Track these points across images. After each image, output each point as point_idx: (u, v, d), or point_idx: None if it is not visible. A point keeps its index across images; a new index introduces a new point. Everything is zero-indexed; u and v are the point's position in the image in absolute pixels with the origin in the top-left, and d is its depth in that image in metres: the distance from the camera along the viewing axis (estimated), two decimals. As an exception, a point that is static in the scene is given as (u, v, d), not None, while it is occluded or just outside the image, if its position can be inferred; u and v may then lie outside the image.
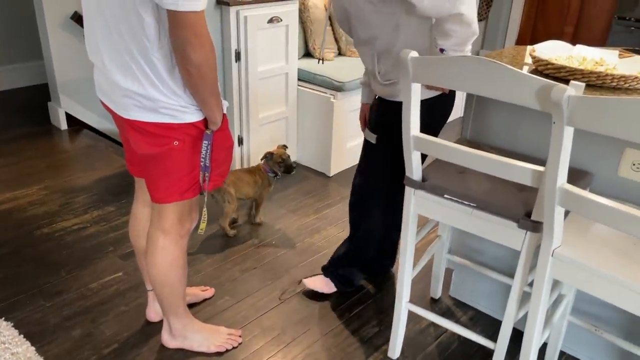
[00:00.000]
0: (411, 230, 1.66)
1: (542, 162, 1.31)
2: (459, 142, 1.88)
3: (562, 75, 1.59)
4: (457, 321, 2.01)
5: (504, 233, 1.45)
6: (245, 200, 2.57)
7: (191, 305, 2.02)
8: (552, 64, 1.61)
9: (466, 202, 1.51)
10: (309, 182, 3.04)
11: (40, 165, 3.11)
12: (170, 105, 1.40)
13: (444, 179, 1.57)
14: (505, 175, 1.35)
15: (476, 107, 1.86)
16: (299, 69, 3.03)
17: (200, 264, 2.29)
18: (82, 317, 1.96)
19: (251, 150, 2.93)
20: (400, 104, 1.51)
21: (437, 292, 2.13)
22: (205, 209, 1.58)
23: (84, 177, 2.99)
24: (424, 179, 1.59)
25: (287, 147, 2.60)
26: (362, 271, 2.13)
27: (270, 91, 2.92)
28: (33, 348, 1.79)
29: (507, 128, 1.80)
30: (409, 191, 1.61)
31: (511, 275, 1.85)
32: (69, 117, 3.64)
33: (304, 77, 3.05)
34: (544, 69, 1.64)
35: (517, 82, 1.22)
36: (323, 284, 2.12)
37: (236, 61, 2.70)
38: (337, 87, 2.90)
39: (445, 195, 1.55)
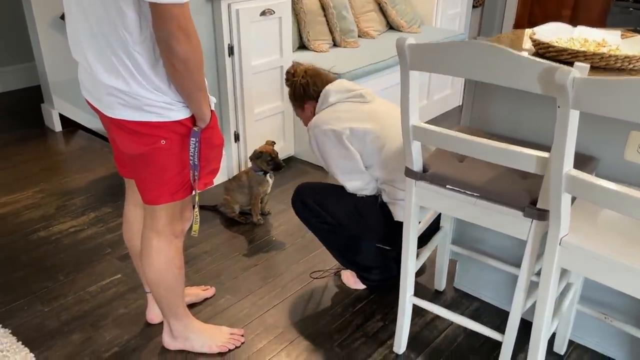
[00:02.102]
0: (413, 223, 1.62)
1: (545, 149, 1.26)
2: (459, 130, 1.83)
3: (564, 58, 1.54)
4: (462, 313, 1.97)
5: (509, 222, 1.41)
6: (247, 207, 2.56)
7: (192, 305, 1.98)
8: (554, 46, 1.56)
9: (469, 192, 1.47)
10: (307, 177, 3.00)
11: (35, 168, 3.07)
12: (155, 102, 1.35)
13: (445, 169, 1.53)
14: (509, 163, 1.31)
15: (476, 94, 1.81)
16: (293, 62, 2.97)
17: (200, 263, 2.26)
18: (81, 322, 1.93)
19: (248, 146, 2.88)
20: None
21: (441, 284, 2.09)
22: (196, 210, 1.54)
23: (80, 179, 2.95)
24: (424, 170, 1.55)
25: (274, 143, 2.56)
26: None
27: (266, 85, 2.87)
28: (32, 355, 1.75)
29: (509, 114, 1.75)
30: (410, 183, 1.57)
31: (516, 264, 1.82)
32: (63, 118, 3.59)
33: (300, 70, 3.00)
34: (545, 52, 1.59)
35: (518, 66, 1.17)
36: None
37: (229, 56, 2.65)
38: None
39: (448, 186, 1.51)
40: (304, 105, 2.06)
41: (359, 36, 3.54)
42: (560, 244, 1.29)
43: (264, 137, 2.96)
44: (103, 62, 1.33)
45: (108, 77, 1.34)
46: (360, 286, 2.11)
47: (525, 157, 1.27)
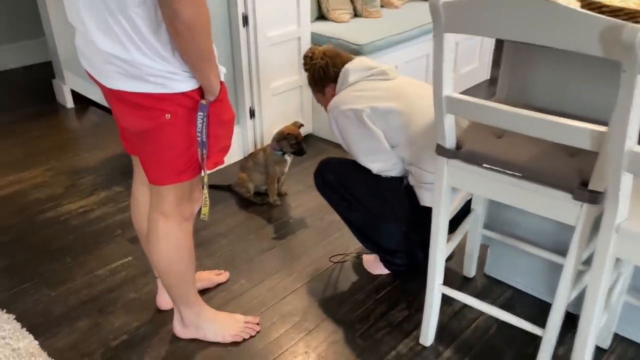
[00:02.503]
0: (444, 207, 1.47)
1: (596, 123, 1.09)
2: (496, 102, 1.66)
3: (621, 19, 1.35)
4: (494, 302, 1.83)
5: (556, 206, 1.25)
6: (263, 187, 2.44)
7: (204, 291, 1.87)
8: (607, 5, 1.37)
9: (509, 172, 1.31)
10: (326, 155, 2.82)
11: (45, 146, 2.97)
12: (158, 71, 1.22)
13: (482, 146, 1.37)
14: (558, 138, 1.15)
15: (515, 61, 1.64)
16: (312, 33, 2.81)
17: (213, 246, 2.14)
18: (89, 307, 1.83)
19: (264, 123, 2.74)
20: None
21: (471, 270, 1.94)
22: (206, 192, 1.41)
23: (91, 157, 2.85)
24: (457, 146, 1.39)
25: (302, 126, 2.41)
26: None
27: (282, 58, 2.71)
28: (36, 342, 1.66)
29: (552, 84, 1.57)
30: (441, 161, 1.41)
31: (556, 250, 1.66)
32: (75, 94, 3.48)
33: (319, 42, 2.82)
34: (598, 13, 1.40)
35: (575, 24, 1.00)
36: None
37: (244, 26, 2.49)
38: (355, 51, 2.68)
39: (485, 165, 1.35)
40: (324, 89, 1.91)
41: (381, 6, 3.34)
42: (617, 230, 1.13)
43: (281, 114, 2.81)
44: (100, 26, 1.20)
45: (105, 43, 1.21)
46: (383, 271, 1.97)
47: (579, 132, 1.11)
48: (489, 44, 3.73)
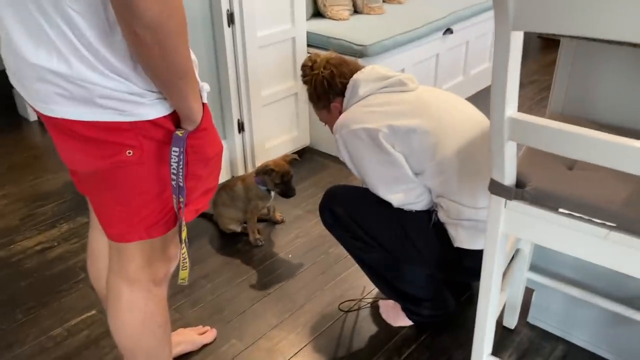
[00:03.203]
0: (498, 260, 1.11)
1: None
2: (552, 117, 1.31)
3: None
4: (546, 362, 1.48)
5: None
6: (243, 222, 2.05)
7: (186, 356, 1.50)
8: None
9: (599, 220, 0.96)
10: (327, 172, 2.49)
11: (2, 167, 2.57)
12: (114, 92, 0.86)
13: (555, 182, 1.02)
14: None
15: (575, 67, 1.29)
16: (308, 32, 2.44)
17: (196, 293, 1.77)
18: (40, 382, 1.46)
19: (255, 137, 2.37)
20: None
21: (512, 320, 1.59)
22: (184, 251, 1.04)
23: (55, 179, 2.46)
24: (520, 184, 1.04)
25: (296, 160, 1.98)
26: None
27: (274, 62, 2.34)
28: None
29: (627, 96, 1.23)
30: (497, 203, 1.06)
31: (619, 299, 1.32)
32: (39, 105, 3.08)
33: (315, 42, 2.46)
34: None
35: None
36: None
37: (229, 25, 2.12)
38: (358, 52, 2.32)
39: (561, 209, 0.99)
40: (329, 104, 1.56)
41: (384, 1, 2.98)
42: None
43: (274, 126, 2.45)
44: (30, 31, 0.85)
45: (38, 54, 0.85)
46: (406, 322, 1.62)
47: None
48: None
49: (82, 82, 0.86)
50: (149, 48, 0.81)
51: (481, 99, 3.25)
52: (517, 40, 0.88)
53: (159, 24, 0.78)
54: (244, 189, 1.96)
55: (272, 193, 1.96)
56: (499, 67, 0.90)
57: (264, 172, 1.88)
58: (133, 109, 0.90)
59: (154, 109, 0.92)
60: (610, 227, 0.95)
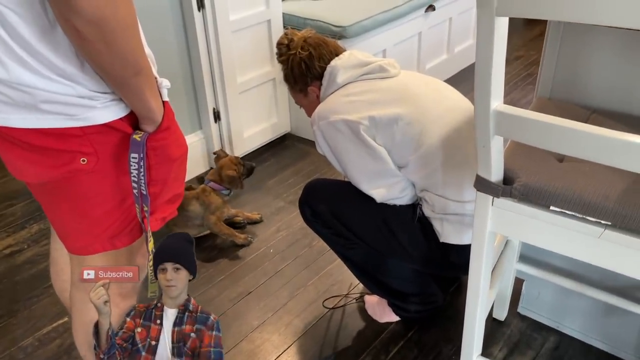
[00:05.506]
0: (486, 259, 1.05)
1: None
2: (538, 104, 1.24)
3: None
4: (537, 355, 1.44)
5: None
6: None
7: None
8: None
9: (593, 218, 0.89)
10: (309, 160, 2.40)
11: (-32, 165, 2.45)
12: (60, 96, 0.79)
13: (545, 178, 0.95)
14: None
15: (564, 48, 1.21)
16: (284, 14, 2.33)
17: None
18: (10, 398, 1.39)
19: (232, 126, 2.27)
20: None
21: (502, 312, 1.54)
22: (150, 265, 0.96)
23: (24, 177, 2.34)
24: (507, 180, 0.97)
25: (239, 163, 1.95)
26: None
27: (249, 46, 2.23)
28: None
29: (618, 79, 1.16)
30: (483, 200, 0.99)
31: (611, 289, 1.27)
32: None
33: (292, 24, 2.35)
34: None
35: None
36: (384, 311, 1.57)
37: (199, 9, 2.01)
38: (337, 34, 2.21)
39: (553, 207, 0.93)
40: (306, 87, 1.47)
41: (362, -22, 2.86)
42: None
43: (251, 113, 2.35)
44: None
45: None
46: (392, 318, 1.56)
47: None
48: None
49: (22, 87, 0.77)
50: (93, 45, 0.72)
51: (466, 77, 3.16)
52: (501, 27, 0.80)
53: (101, 17, 0.69)
54: (201, 206, 1.84)
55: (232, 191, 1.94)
56: (482, 56, 0.82)
57: (231, 180, 1.89)
58: (83, 112, 0.81)
59: (107, 112, 0.83)
60: (605, 226, 0.89)
